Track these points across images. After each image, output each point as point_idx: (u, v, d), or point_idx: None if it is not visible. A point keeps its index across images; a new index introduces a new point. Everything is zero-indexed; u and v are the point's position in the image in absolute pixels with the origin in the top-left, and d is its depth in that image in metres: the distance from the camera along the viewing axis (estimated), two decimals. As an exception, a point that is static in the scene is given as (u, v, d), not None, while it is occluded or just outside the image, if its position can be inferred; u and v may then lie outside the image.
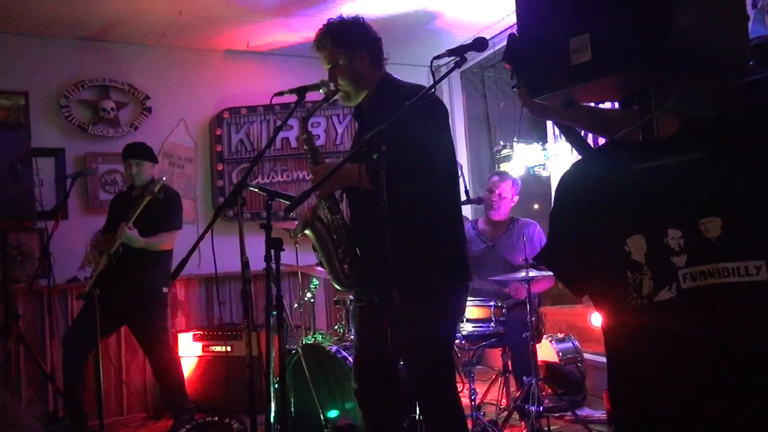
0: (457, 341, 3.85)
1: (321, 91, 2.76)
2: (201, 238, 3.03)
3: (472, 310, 4.00)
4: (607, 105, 2.37)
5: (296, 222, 4.70)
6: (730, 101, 1.54)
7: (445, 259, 2.61)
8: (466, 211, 6.22)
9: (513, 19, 1.79)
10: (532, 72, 1.71)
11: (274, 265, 2.54)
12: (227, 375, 4.65)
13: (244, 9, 5.16)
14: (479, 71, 6.88)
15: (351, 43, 2.69)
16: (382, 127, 2.09)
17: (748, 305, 1.37)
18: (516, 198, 4.61)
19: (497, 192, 4.55)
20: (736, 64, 1.51)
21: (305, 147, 2.80)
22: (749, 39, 1.53)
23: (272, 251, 2.52)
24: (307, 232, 2.65)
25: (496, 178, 4.67)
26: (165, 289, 4.56)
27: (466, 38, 5.53)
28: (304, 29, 5.53)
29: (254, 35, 5.78)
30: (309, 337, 4.27)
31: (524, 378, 3.99)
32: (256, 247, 2.65)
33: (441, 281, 2.58)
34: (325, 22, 2.75)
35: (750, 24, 2.74)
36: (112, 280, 4.29)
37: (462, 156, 6.78)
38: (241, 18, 5.36)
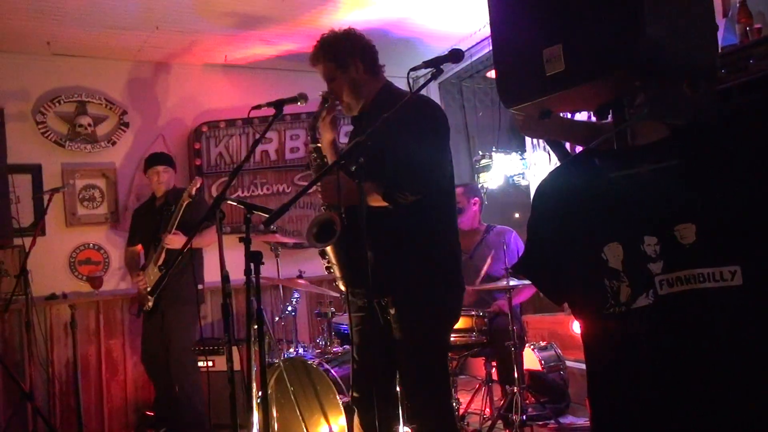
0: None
1: (299, 103, 2.75)
2: (181, 252, 3.02)
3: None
4: (584, 115, 2.39)
5: (276, 235, 4.70)
6: (704, 109, 1.56)
7: (442, 265, 2.62)
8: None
9: (489, 30, 1.80)
10: (508, 83, 1.73)
11: (254, 279, 2.53)
12: (210, 390, 4.60)
13: (220, 23, 5.15)
14: (457, 82, 6.91)
15: (343, 54, 2.70)
16: (358, 140, 2.10)
17: (723, 310, 1.39)
18: (475, 200, 4.61)
19: None
20: (706, 72, 1.53)
21: (313, 155, 2.78)
22: (718, 48, 1.56)
23: (252, 264, 2.51)
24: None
25: None
26: (200, 286, 4.63)
27: (442, 49, 5.55)
28: (281, 42, 5.53)
29: (231, 49, 5.76)
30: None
31: (507, 387, 4.00)
32: (237, 260, 2.63)
33: (439, 288, 2.59)
34: (308, 34, 2.75)
35: (721, 33, 2.78)
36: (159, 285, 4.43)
37: (441, 166, 6.78)
38: (218, 32, 5.35)
